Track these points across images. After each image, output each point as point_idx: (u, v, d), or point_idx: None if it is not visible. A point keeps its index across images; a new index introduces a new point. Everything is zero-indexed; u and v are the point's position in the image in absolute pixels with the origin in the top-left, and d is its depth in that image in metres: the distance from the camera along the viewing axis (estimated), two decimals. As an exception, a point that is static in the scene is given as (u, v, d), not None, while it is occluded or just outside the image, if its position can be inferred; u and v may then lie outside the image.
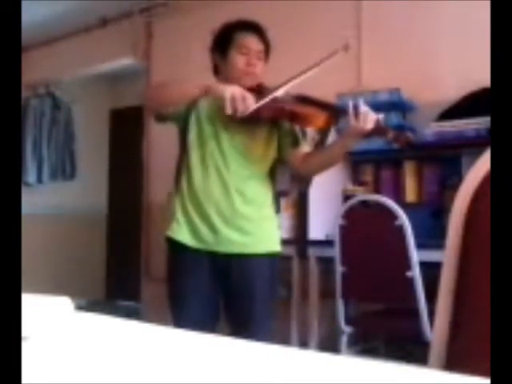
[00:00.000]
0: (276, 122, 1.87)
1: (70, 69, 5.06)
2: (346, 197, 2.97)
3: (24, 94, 5.05)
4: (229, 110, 1.64)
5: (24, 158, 5.12)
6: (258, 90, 1.82)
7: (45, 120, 5.30)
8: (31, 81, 5.03)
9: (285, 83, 1.78)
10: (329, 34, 3.50)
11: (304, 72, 1.79)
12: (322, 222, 2.90)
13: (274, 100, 1.74)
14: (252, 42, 1.86)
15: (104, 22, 4.69)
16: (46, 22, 4.73)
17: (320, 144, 2.64)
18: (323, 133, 2.78)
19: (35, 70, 5.01)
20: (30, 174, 5.12)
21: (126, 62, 4.71)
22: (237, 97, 1.63)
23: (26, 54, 4.94)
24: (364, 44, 3.35)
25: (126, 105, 5.56)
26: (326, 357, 0.56)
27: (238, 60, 1.85)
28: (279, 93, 1.75)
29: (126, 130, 5.65)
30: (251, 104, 1.64)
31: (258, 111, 1.70)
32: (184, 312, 1.83)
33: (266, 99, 1.70)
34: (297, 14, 3.65)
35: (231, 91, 1.64)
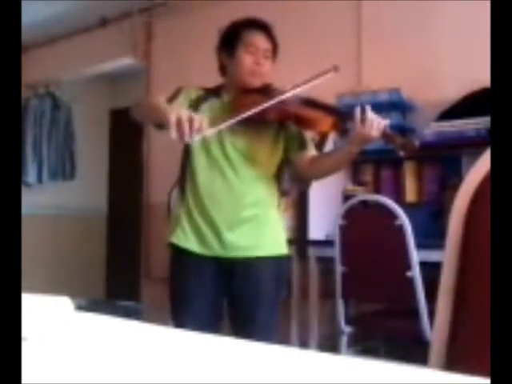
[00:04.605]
0: (282, 124, 1.83)
1: (70, 69, 5.06)
2: (346, 197, 2.97)
3: (24, 94, 5.05)
4: (173, 135, 1.51)
5: (24, 157, 5.12)
6: (265, 91, 1.79)
7: (45, 120, 5.29)
8: (31, 81, 5.03)
9: (270, 100, 1.70)
10: (329, 34, 3.50)
11: (293, 88, 1.73)
12: (322, 222, 2.90)
13: (281, 102, 1.70)
14: (260, 41, 1.81)
15: (104, 22, 4.69)
16: (46, 22, 4.73)
17: (318, 146, 2.63)
18: (323, 136, 2.77)
19: (35, 70, 5.01)
20: (29, 174, 5.12)
21: (126, 61, 4.71)
22: (183, 120, 1.49)
23: (26, 53, 4.95)
24: (364, 44, 3.35)
25: (126, 105, 5.52)
26: (326, 357, 0.56)
27: (246, 59, 1.80)
28: (270, 103, 1.68)
29: (126, 130, 5.64)
30: (201, 127, 1.51)
31: (263, 113, 1.66)
32: (186, 312, 1.81)
33: (249, 112, 1.63)
34: (296, 15, 3.65)
35: (177, 115, 1.50)
